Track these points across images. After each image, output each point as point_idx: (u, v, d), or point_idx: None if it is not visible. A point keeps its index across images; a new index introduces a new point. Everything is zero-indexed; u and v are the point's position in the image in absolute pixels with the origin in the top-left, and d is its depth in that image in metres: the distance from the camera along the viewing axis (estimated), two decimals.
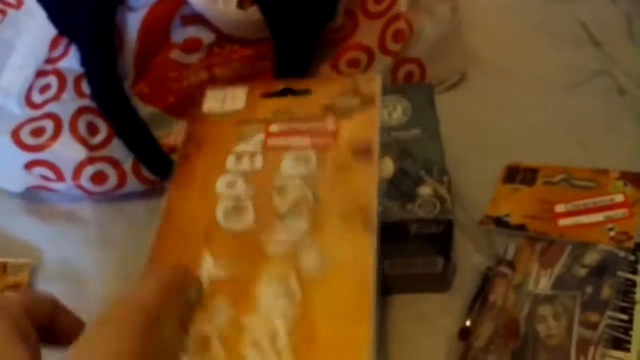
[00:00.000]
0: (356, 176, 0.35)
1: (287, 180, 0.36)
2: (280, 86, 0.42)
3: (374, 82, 0.41)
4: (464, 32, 0.59)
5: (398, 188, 0.42)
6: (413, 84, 0.54)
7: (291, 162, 0.37)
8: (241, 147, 0.38)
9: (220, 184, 0.36)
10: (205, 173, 0.37)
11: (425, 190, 0.42)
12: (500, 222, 0.45)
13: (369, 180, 0.35)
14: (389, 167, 0.43)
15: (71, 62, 0.50)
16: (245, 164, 0.37)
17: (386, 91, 0.48)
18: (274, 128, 0.39)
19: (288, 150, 0.38)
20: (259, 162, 0.37)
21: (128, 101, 0.48)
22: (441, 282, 0.44)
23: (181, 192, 0.36)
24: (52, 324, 0.29)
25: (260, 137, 0.39)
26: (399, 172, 0.43)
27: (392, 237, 0.41)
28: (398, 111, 0.46)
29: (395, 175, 0.43)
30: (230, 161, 0.37)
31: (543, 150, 0.51)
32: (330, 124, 0.39)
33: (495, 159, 0.51)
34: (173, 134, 0.50)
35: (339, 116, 0.39)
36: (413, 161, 0.43)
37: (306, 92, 0.41)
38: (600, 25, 0.63)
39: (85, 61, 0.49)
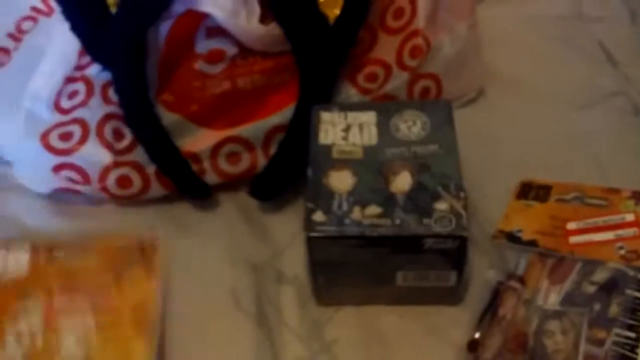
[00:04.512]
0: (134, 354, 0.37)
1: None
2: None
3: (158, 247, 0.43)
4: (482, 47, 0.60)
5: (415, 202, 0.43)
6: (432, 99, 0.55)
7: (72, 342, 0.37)
8: (21, 325, 0.37)
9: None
10: None
11: (441, 206, 0.43)
12: (512, 237, 0.46)
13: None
14: (406, 180, 0.44)
15: (99, 70, 0.52)
16: (25, 345, 0.37)
17: (405, 105, 0.49)
18: (57, 303, 0.39)
19: (69, 330, 0.38)
20: (39, 341, 0.37)
21: (151, 111, 0.50)
22: (453, 295, 0.45)
23: None
24: None
25: (41, 312, 0.38)
26: (417, 185, 0.44)
27: (407, 249, 0.42)
28: (417, 126, 0.47)
29: (412, 189, 0.44)
30: (10, 342, 0.37)
31: (557, 167, 0.52)
32: (114, 295, 0.40)
33: (510, 175, 0.52)
34: (194, 141, 0.51)
35: (122, 283, 0.41)
36: (430, 176, 0.44)
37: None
38: (617, 44, 0.64)
39: (117, 82, 0.50)
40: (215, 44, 0.51)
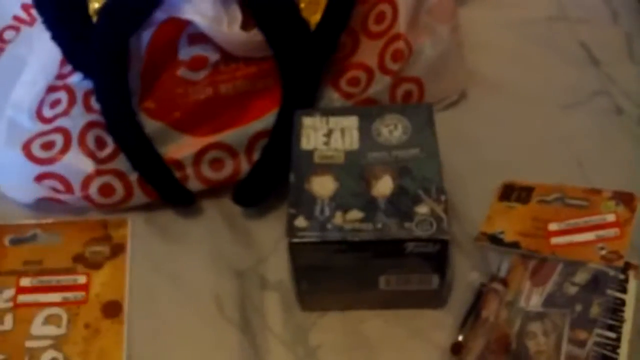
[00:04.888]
0: (105, 337, 0.37)
1: (38, 341, 0.36)
2: (29, 230, 0.42)
3: (124, 228, 0.43)
4: (464, 50, 0.60)
5: (396, 206, 0.43)
6: (413, 103, 0.56)
7: (42, 322, 0.37)
8: None
9: None
10: None
11: (422, 209, 0.43)
12: (494, 239, 0.46)
13: (117, 342, 0.37)
14: (388, 184, 0.44)
15: (80, 78, 0.52)
16: None
17: (387, 110, 0.50)
18: (24, 282, 0.40)
19: (39, 308, 0.38)
20: (8, 321, 0.37)
21: (133, 119, 0.50)
22: (436, 298, 0.45)
23: None
24: None
25: (10, 292, 0.39)
26: (398, 189, 0.44)
27: (389, 254, 0.42)
28: (398, 130, 0.48)
29: (393, 193, 0.44)
30: None
31: (540, 168, 0.52)
32: (80, 277, 0.40)
33: (493, 176, 0.52)
34: (177, 149, 0.51)
35: (89, 266, 0.41)
36: (411, 180, 0.44)
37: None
38: (600, 45, 0.64)
39: (98, 90, 0.50)
40: (197, 50, 0.51)
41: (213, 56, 0.51)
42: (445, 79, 0.58)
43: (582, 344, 0.39)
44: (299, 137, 0.48)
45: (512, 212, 0.48)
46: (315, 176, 0.45)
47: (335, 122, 0.49)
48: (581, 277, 0.42)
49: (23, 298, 0.38)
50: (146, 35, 0.50)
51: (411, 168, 0.45)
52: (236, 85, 0.52)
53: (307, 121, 0.49)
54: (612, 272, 0.42)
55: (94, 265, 0.42)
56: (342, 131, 0.48)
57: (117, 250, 0.44)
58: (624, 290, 0.41)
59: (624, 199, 0.46)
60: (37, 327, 0.37)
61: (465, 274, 0.46)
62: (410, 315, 0.45)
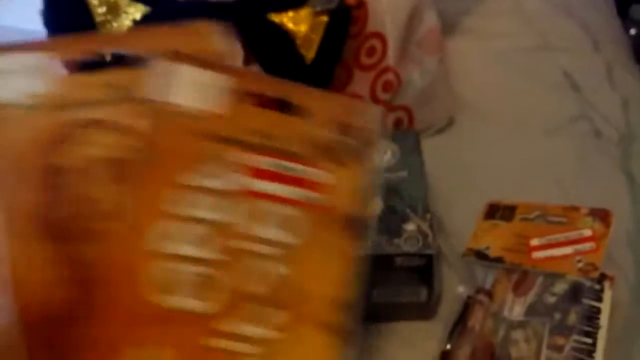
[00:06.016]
0: (340, 260, 0.27)
1: (264, 248, 0.26)
2: (274, 91, 0.31)
3: (373, 118, 0.32)
4: (451, 79, 0.64)
5: (386, 224, 0.46)
6: (401, 129, 0.59)
7: (274, 224, 0.26)
8: (203, 180, 0.25)
9: (157, 234, 0.24)
10: (137, 212, 0.24)
11: (409, 226, 0.46)
12: (480, 255, 0.50)
13: (349, 267, 0.27)
14: (378, 204, 0.48)
15: None
16: (204, 209, 0.25)
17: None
18: (256, 161, 0.27)
19: (273, 203, 0.27)
20: (227, 209, 0.25)
21: None
22: (426, 310, 0.48)
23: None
24: None
25: (237, 170, 0.26)
26: (387, 209, 0.47)
27: (380, 268, 0.45)
28: (388, 154, 0.51)
29: (383, 212, 0.47)
30: (180, 199, 0.24)
31: (523, 189, 0.56)
32: (324, 174, 0.30)
33: (479, 197, 0.55)
34: None
35: (333, 160, 0.30)
36: (400, 200, 0.48)
37: (301, 112, 0.31)
38: (581, 72, 0.68)
39: None
40: None
41: None
42: (434, 106, 0.62)
43: (560, 349, 0.42)
44: None
45: (497, 229, 0.51)
46: None
47: None
48: (560, 287, 0.45)
49: (254, 184, 0.26)
50: None
51: (399, 189, 0.48)
52: None
53: None
54: (588, 283, 0.45)
55: (339, 161, 0.30)
56: None
57: (366, 144, 0.32)
58: (599, 299, 0.44)
59: (600, 215, 0.49)
60: (266, 228, 0.25)
61: (454, 287, 0.49)
62: (402, 326, 0.48)
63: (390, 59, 0.58)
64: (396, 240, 0.45)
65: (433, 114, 0.62)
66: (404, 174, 0.50)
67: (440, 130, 0.63)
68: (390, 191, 0.48)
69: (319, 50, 0.56)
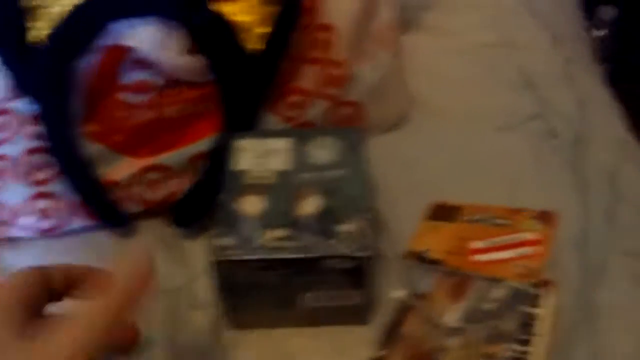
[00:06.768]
0: None
1: None
2: None
3: None
4: (408, 75, 0.62)
5: (322, 224, 0.44)
6: (346, 126, 0.57)
7: None
8: None
9: None
10: None
11: (346, 227, 0.44)
12: (420, 257, 0.48)
13: None
14: (315, 203, 0.46)
15: (25, 103, 0.53)
16: None
17: (321, 132, 0.51)
18: None
19: None
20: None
21: (74, 143, 0.51)
22: (361, 314, 0.46)
23: None
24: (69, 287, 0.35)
25: None
26: (324, 208, 0.45)
27: (311, 271, 0.43)
28: (330, 151, 0.49)
29: (320, 212, 0.45)
30: None
31: (473, 188, 0.54)
32: None
33: (426, 196, 0.53)
34: (116, 170, 0.53)
35: None
36: (338, 199, 0.46)
37: None
38: (537, 69, 0.66)
39: (42, 114, 0.52)
40: (141, 75, 0.53)
41: (157, 80, 0.53)
42: (387, 103, 0.60)
43: (494, 357, 0.40)
44: (233, 158, 0.49)
45: (440, 230, 0.49)
46: (244, 196, 0.46)
47: (269, 144, 0.50)
48: (497, 293, 0.43)
49: None
50: (89, 61, 0.52)
51: (339, 188, 0.46)
52: (179, 108, 0.53)
53: (242, 143, 0.50)
54: (527, 289, 0.43)
55: None
56: (276, 153, 0.49)
57: None
58: (537, 306, 0.42)
59: (545, 218, 0.47)
60: None
61: (393, 291, 0.47)
62: (336, 331, 0.46)
63: (341, 52, 0.56)
64: (331, 242, 0.43)
65: (386, 111, 0.60)
66: (345, 171, 0.48)
67: (394, 127, 0.61)
68: (329, 190, 0.46)
69: (267, 42, 0.53)
